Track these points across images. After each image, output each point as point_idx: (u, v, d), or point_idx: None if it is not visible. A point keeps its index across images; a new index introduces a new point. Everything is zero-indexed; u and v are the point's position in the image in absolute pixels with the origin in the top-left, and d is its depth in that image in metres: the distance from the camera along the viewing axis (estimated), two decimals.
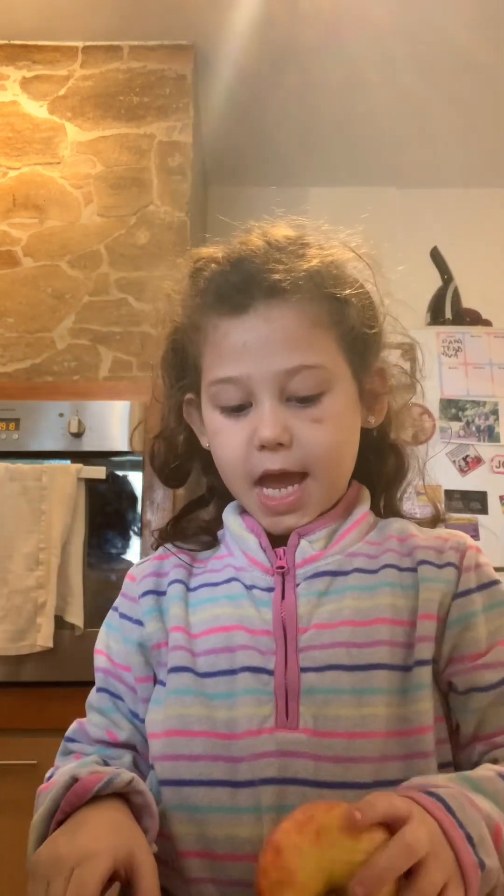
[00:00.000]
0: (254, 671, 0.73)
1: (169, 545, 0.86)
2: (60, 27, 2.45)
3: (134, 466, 2.16)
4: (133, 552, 2.14)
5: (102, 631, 0.85)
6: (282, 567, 0.77)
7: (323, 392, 0.76)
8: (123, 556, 2.22)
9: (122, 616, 0.83)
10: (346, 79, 2.64)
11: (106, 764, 0.75)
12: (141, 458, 2.12)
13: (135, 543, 2.14)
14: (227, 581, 0.80)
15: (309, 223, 0.84)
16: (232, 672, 0.73)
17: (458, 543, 0.78)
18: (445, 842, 0.55)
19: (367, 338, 0.80)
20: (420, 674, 0.71)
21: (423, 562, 0.77)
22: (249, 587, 0.78)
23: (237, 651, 0.74)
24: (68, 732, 0.83)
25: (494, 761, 0.70)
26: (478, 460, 2.49)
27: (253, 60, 2.57)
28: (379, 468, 0.87)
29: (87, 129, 2.46)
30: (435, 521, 0.87)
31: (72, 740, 0.82)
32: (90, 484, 2.04)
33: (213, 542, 0.86)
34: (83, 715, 0.84)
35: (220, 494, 0.87)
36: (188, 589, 0.81)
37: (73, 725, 0.83)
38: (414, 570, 0.77)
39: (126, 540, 2.23)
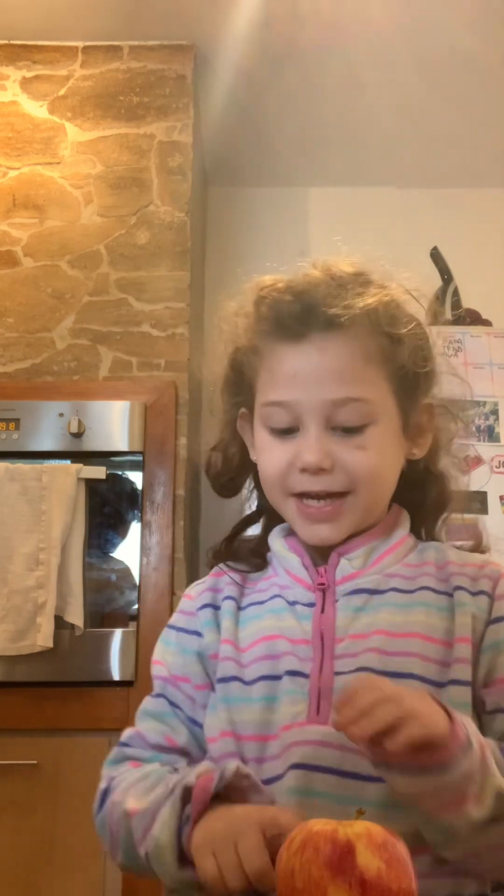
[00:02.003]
0: (292, 675, 0.77)
1: (223, 565, 0.90)
2: (60, 27, 2.45)
3: (134, 466, 2.16)
4: (133, 552, 2.13)
5: (159, 646, 0.89)
6: (322, 584, 0.81)
7: (367, 424, 0.80)
8: (123, 557, 2.22)
9: (180, 630, 0.87)
10: (346, 79, 2.63)
11: (175, 770, 0.78)
12: (141, 458, 2.12)
13: (135, 543, 2.13)
14: (272, 598, 0.84)
15: (369, 259, 0.86)
16: (276, 677, 0.77)
17: (493, 572, 0.82)
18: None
19: (418, 376, 0.84)
20: (452, 692, 0.74)
21: (458, 587, 0.80)
22: (292, 603, 0.82)
23: (280, 658, 0.78)
24: (123, 738, 0.85)
25: None
26: (478, 460, 2.48)
27: (253, 61, 2.57)
28: (422, 497, 0.90)
29: (87, 129, 2.46)
30: (474, 550, 0.89)
31: (127, 745, 0.84)
32: (90, 484, 2.04)
33: (264, 564, 0.90)
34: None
35: (269, 513, 0.91)
36: (239, 607, 0.86)
37: (128, 731, 0.85)
38: (450, 594, 0.80)
39: (126, 540, 2.23)
